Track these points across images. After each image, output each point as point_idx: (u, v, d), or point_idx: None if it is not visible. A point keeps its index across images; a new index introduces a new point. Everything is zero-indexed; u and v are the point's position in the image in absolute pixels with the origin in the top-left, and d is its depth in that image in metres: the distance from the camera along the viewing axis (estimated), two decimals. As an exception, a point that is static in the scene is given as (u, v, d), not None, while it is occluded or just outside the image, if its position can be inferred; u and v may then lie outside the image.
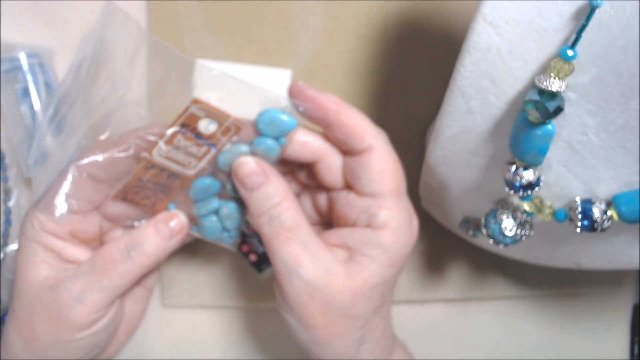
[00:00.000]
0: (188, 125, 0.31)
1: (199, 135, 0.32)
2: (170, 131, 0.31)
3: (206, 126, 0.32)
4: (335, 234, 0.32)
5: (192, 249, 0.43)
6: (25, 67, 0.38)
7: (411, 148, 0.46)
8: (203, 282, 0.44)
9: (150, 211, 0.34)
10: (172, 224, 0.33)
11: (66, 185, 0.32)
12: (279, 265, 0.31)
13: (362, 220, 0.32)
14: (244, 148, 0.33)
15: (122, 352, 0.44)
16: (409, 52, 0.45)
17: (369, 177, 0.31)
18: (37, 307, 0.32)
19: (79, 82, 0.34)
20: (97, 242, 0.35)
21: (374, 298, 0.31)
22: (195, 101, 0.31)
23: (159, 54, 0.38)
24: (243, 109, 0.43)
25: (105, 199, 0.34)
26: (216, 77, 0.41)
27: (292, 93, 0.31)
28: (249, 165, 0.32)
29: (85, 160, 0.32)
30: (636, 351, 0.52)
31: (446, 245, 0.47)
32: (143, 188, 0.33)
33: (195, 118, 0.31)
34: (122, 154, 0.32)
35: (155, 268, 0.37)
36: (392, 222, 0.31)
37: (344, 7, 0.44)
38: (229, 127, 0.32)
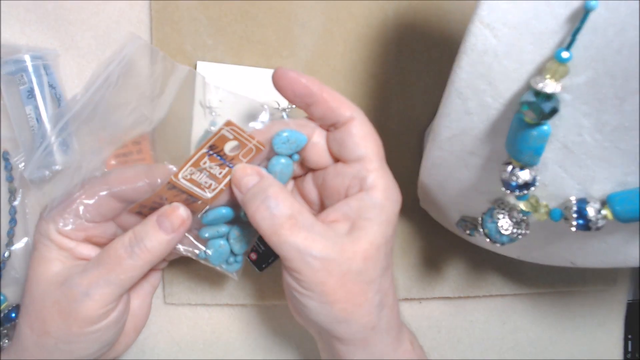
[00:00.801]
0: (216, 147, 0.32)
1: (223, 157, 0.33)
2: (199, 153, 0.32)
3: (231, 148, 0.33)
4: (332, 211, 0.34)
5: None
6: (30, 68, 0.38)
7: (409, 148, 0.46)
8: (205, 280, 0.44)
9: None
10: (174, 217, 0.34)
11: (85, 199, 0.34)
12: (290, 252, 0.31)
13: (354, 186, 0.33)
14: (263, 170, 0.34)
15: (124, 350, 0.44)
16: (408, 53, 0.45)
17: (355, 142, 0.33)
18: (47, 302, 0.33)
19: (99, 104, 0.35)
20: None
21: (381, 259, 0.33)
22: (228, 123, 0.31)
23: (161, 59, 0.38)
24: (243, 109, 0.43)
25: (122, 212, 0.35)
26: (217, 78, 0.42)
27: (276, 78, 0.33)
28: (243, 168, 0.34)
29: (116, 188, 0.34)
30: (630, 348, 0.53)
31: (444, 244, 0.47)
32: (160, 205, 0.34)
33: (225, 140, 0.32)
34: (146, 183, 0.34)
35: (160, 264, 0.38)
36: (380, 182, 0.33)
37: (344, 9, 0.44)
38: (251, 148, 0.33)
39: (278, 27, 0.43)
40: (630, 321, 0.52)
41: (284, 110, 0.43)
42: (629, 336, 0.53)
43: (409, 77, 0.46)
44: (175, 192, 0.33)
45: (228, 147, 0.33)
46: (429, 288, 0.48)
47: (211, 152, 0.32)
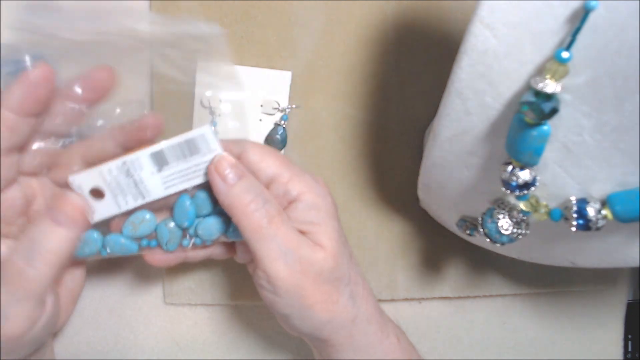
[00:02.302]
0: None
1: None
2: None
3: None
4: None
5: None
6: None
7: (409, 149, 0.46)
8: (204, 280, 0.44)
9: None
10: (68, 207, 0.31)
11: None
12: (270, 251, 0.31)
13: (283, 203, 0.33)
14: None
15: (123, 351, 0.44)
16: (408, 53, 0.45)
17: (258, 169, 0.33)
18: None
19: None
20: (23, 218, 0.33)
21: (344, 252, 0.34)
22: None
23: (161, 58, 0.38)
24: (245, 109, 0.43)
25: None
26: (217, 78, 0.42)
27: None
28: (229, 159, 0.32)
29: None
30: (630, 348, 0.53)
31: (444, 244, 0.47)
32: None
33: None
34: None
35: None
36: (301, 187, 0.33)
37: (344, 9, 0.44)
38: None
39: (278, 28, 0.43)
40: (630, 321, 0.52)
41: (283, 110, 0.43)
42: (629, 336, 0.53)
43: (408, 77, 0.46)
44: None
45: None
46: (429, 288, 0.48)
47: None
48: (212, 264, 0.44)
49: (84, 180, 0.32)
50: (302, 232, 0.33)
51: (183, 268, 0.44)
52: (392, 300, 0.48)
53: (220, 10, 0.42)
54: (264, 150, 0.34)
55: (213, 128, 0.33)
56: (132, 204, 0.34)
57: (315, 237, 0.33)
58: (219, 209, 0.34)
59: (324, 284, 0.33)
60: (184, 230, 0.35)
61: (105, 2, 0.41)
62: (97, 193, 0.33)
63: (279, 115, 0.43)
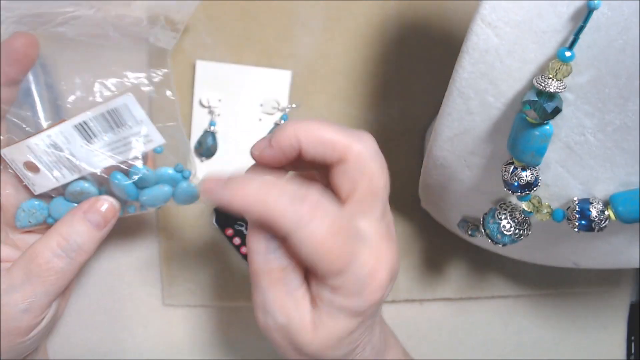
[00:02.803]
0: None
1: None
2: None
3: None
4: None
5: (192, 249, 0.44)
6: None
7: (410, 148, 0.46)
8: (204, 281, 0.44)
9: None
10: (103, 209, 0.32)
11: None
12: (258, 300, 0.29)
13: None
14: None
15: (122, 352, 0.44)
16: (409, 52, 0.45)
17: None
18: None
19: None
20: None
21: (342, 347, 0.29)
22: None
23: (160, 57, 0.38)
24: (243, 109, 0.43)
25: None
26: (217, 78, 0.41)
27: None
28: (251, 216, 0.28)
29: None
30: (633, 349, 0.53)
31: (445, 245, 0.47)
32: None
33: None
34: None
35: None
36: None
37: (344, 8, 0.44)
38: None
39: (278, 27, 0.43)
40: (633, 322, 0.52)
41: (283, 110, 0.43)
42: (632, 337, 0.53)
43: (409, 76, 0.45)
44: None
45: None
46: (430, 289, 0.48)
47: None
48: (211, 265, 0.44)
49: (14, 153, 0.32)
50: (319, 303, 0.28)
51: (182, 269, 0.44)
52: (393, 301, 0.48)
53: (220, 8, 0.42)
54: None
55: (132, 96, 0.32)
56: (69, 177, 0.33)
57: (321, 319, 0.28)
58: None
59: (304, 356, 0.29)
60: (126, 202, 0.35)
61: (103, 3, 0.41)
62: (32, 167, 0.33)
63: (278, 114, 0.43)
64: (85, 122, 0.32)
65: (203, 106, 0.42)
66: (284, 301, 0.28)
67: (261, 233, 0.28)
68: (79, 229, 0.31)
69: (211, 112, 0.42)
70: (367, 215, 0.28)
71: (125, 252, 0.43)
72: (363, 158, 0.28)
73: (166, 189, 0.35)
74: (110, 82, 0.36)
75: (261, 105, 0.43)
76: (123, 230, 0.42)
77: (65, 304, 0.38)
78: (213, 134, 0.42)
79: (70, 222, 0.32)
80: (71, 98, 0.36)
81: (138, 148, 0.33)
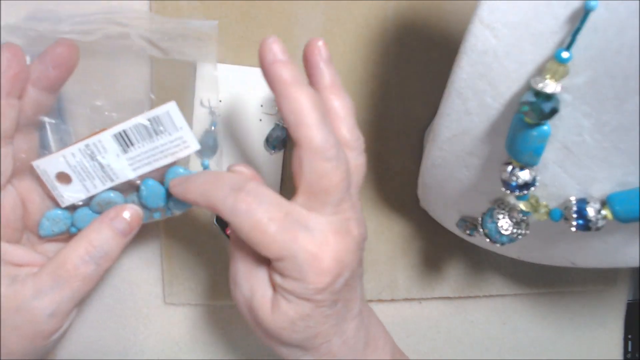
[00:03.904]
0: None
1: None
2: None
3: None
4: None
5: (194, 247, 0.44)
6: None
7: (409, 148, 0.46)
8: (205, 280, 0.44)
9: None
10: (127, 216, 0.33)
11: None
12: (231, 270, 0.31)
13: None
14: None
15: (123, 351, 0.44)
16: (408, 53, 0.45)
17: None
18: (5, 329, 0.31)
19: None
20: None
21: (299, 330, 0.30)
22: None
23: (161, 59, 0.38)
24: (244, 109, 0.43)
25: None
26: (217, 78, 0.42)
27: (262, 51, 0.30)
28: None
29: None
30: (630, 348, 0.53)
31: (444, 244, 0.47)
32: None
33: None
34: None
35: None
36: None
37: (343, 9, 0.44)
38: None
39: (278, 28, 0.43)
40: (630, 321, 0.52)
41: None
42: (629, 336, 0.53)
43: (408, 77, 0.46)
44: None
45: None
46: (429, 288, 0.48)
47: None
48: (213, 264, 0.44)
49: (48, 165, 0.32)
50: (274, 283, 0.30)
51: (183, 268, 0.44)
52: (392, 300, 0.48)
53: (220, 10, 0.42)
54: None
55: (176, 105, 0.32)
56: (100, 187, 0.33)
57: (277, 300, 0.30)
58: None
59: (267, 334, 0.31)
60: (152, 208, 0.35)
61: (105, 3, 0.41)
62: (64, 177, 0.33)
63: (279, 114, 0.43)
64: (124, 131, 0.32)
65: (204, 107, 0.42)
66: (250, 275, 0.31)
67: None
68: (106, 235, 0.32)
69: (212, 113, 0.42)
70: (314, 208, 0.30)
71: (126, 251, 0.43)
72: (316, 154, 0.29)
73: None
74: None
75: (261, 105, 0.43)
76: (124, 229, 0.42)
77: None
78: (214, 135, 0.42)
79: (98, 230, 0.32)
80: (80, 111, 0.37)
81: (175, 155, 0.33)
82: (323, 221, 0.29)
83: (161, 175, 0.35)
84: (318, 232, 0.29)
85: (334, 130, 0.30)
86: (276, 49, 0.29)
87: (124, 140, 0.32)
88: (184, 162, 0.37)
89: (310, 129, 0.28)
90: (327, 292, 0.29)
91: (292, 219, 0.29)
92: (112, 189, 0.34)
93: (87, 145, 0.32)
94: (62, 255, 0.32)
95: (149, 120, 0.32)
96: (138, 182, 0.34)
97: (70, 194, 0.33)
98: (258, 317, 0.30)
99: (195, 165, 0.39)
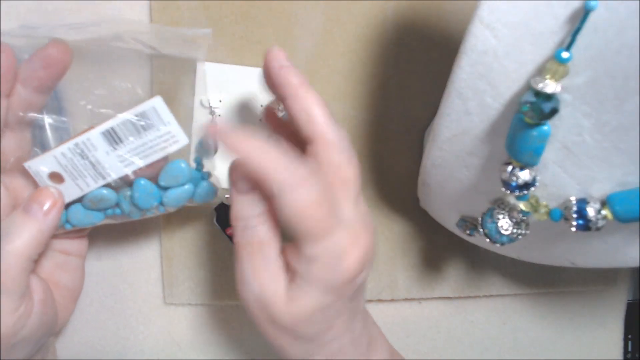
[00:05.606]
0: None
1: None
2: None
3: None
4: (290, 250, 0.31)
5: (193, 247, 0.44)
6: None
7: (409, 149, 0.46)
8: (205, 280, 0.44)
9: None
10: (43, 198, 0.32)
11: None
12: (237, 271, 0.31)
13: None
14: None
15: (123, 351, 0.44)
16: (408, 53, 0.45)
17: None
18: None
19: None
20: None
21: (316, 322, 0.30)
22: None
23: (162, 59, 0.38)
24: (244, 109, 0.43)
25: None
26: (217, 78, 0.42)
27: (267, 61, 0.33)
28: (245, 169, 0.30)
29: None
30: (630, 348, 0.53)
31: (444, 244, 0.48)
32: None
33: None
34: None
35: (81, 234, 0.37)
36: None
37: (343, 9, 0.44)
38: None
39: (278, 28, 0.43)
40: (630, 321, 0.52)
41: (283, 110, 0.43)
42: (629, 336, 0.53)
43: (408, 77, 0.46)
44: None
45: None
46: (429, 288, 0.48)
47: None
48: (213, 264, 0.44)
49: (40, 165, 0.32)
50: (293, 275, 0.30)
51: (183, 268, 0.44)
52: (392, 300, 0.48)
53: (220, 10, 0.42)
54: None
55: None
56: (93, 185, 0.33)
57: (296, 292, 0.30)
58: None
59: (278, 329, 0.31)
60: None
61: (105, 3, 0.41)
62: (57, 177, 0.33)
63: (279, 115, 0.43)
64: (112, 128, 0.32)
65: (204, 107, 0.42)
66: (260, 272, 0.30)
67: (246, 199, 0.30)
68: (15, 219, 0.31)
69: (212, 113, 0.42)
70: (341, 200, 0.30)
71: (126, 251, 0.43)
72: (331, 147, 0.30)
73: (187, 187, 0.35)
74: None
75: (261, 106, 0.43)
76: (125, 229, 0.42)
77: (73, 306, 0.38)
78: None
79: (11, 215, 0.32)
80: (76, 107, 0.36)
81: (165, 150, 0.33)
82: (351, 215, 0.30)
83: (155, 171, 0.35)
84: (349, 225, 0.30)
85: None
86: (281, 57, 0.32)
87: (113, 137, 0.32)
88: (185, 159, 0.37)
89: (323, 125, 0.30)
90: (351, 285, 0.30)
91: (334, 207, 0.30)
92: (105, 186, 0.34)
93: (76, 144, 0.32)
94: None
95: (136, 116, 0.32)
96: (132, 177, 0.34)
97: (65, 194, 0.33)
98: (272, 312, 0.30)
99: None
